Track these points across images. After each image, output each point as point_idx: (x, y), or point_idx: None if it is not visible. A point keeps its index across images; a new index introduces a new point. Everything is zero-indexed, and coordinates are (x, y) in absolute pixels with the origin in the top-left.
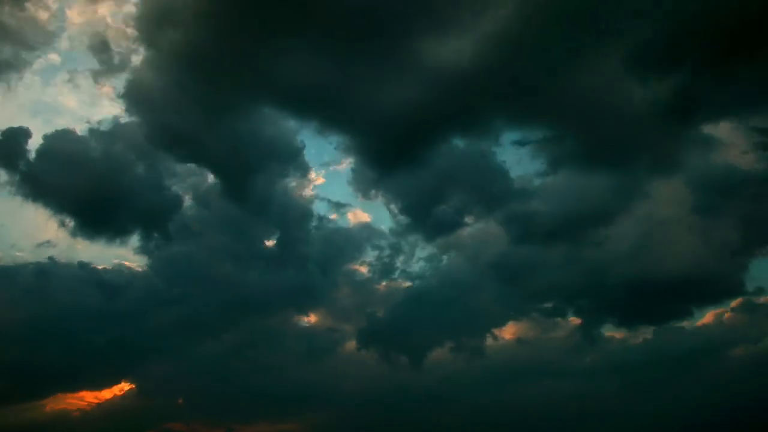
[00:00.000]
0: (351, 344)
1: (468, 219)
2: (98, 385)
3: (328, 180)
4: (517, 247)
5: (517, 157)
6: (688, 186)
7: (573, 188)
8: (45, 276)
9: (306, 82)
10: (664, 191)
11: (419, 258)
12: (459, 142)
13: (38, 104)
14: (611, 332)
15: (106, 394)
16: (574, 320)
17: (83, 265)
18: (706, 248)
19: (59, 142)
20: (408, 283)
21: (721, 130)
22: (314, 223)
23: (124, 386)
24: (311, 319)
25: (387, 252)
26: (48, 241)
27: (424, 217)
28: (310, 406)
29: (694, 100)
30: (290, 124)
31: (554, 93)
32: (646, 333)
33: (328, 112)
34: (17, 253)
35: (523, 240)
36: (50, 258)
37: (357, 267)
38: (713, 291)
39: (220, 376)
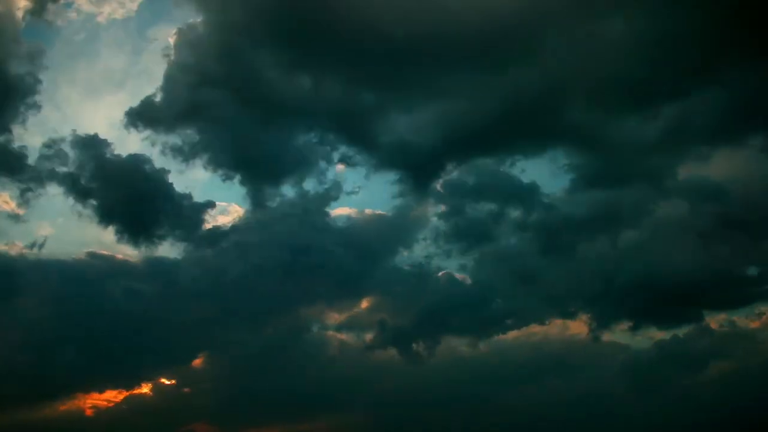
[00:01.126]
0: (374, 345)
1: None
2: (118, 385)
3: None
4: (542, 255)
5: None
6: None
7: (591, 203)
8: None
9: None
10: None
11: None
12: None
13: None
14: (625, 334)
15: (125, 394)
16: (590, 322)
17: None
18: (715, 255)
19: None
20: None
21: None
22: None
23: (143, 387)
24: (337, 318)
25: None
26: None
27: (460, 227)
28: (330, 408)
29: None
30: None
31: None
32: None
33: (364, 134)
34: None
35: (547, 248)
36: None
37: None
38: (724, 296)
39: (241, 377)
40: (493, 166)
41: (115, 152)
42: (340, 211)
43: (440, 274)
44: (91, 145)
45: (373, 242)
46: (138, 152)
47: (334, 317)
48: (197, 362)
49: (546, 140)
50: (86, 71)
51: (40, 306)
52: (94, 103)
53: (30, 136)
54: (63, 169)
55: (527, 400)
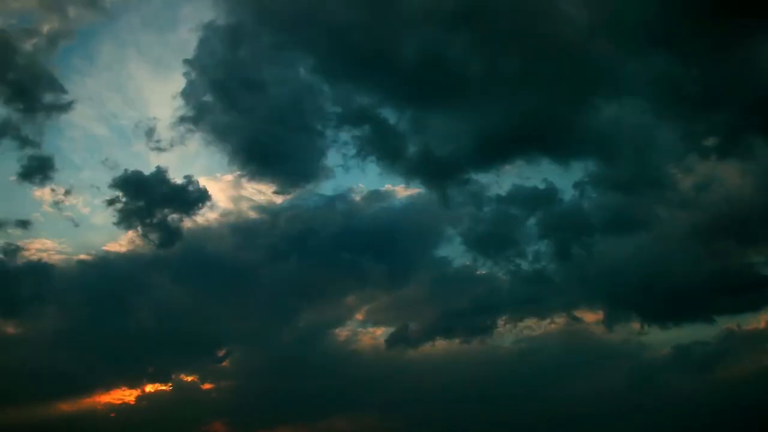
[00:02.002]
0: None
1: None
2: (133, 382)
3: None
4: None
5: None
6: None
7: (607, 207)
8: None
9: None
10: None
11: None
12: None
13: None
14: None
15: (141, 391)
16: (604, 322)
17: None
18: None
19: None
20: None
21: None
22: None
23: (163, 384)
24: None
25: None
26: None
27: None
28: (359, 405)
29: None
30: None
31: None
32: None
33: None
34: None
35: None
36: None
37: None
38: (738, 299)
39: (260, 375)
40: (514, 174)
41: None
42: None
43: (476, 273)
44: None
45: (400, 240)
46: None
47: (362, 313)
48: (221, 358)
49: (565, 149)
50: (156, 45)
51: (62, 304)
52: (162, 81)
53: (87, 121)
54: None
55: (539, 398)
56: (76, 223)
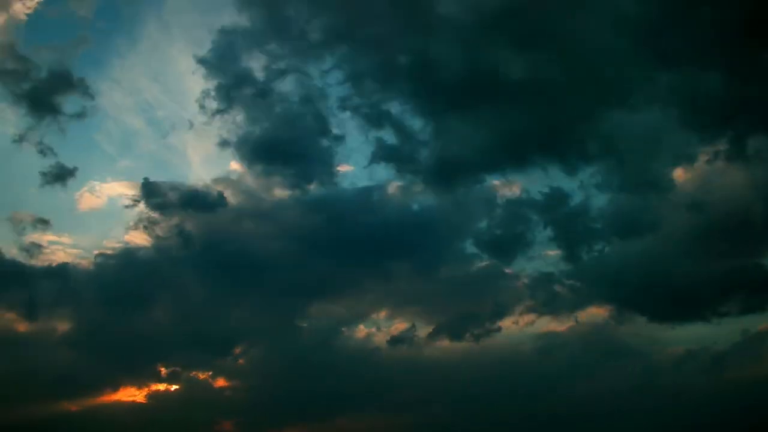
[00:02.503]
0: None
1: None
2: (140, 381)
3: None
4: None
5: None
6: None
7: (617, 209)
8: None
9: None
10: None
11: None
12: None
13: None
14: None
15: (150, 389)
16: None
17: None
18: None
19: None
20: None
21: None
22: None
23: (173, 381)
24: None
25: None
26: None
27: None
28: (378, 405)
29: None
30: None
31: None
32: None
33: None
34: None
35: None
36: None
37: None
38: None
39: (275, 373)
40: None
41: None
42: None
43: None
44: None
45: (409, 241)
46: None
47: (373, 312)
48: (236, 356)
49: (576, 153)
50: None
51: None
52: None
53: (126, 114)
54: None
55: (550, 397)
56: (95, 219)
